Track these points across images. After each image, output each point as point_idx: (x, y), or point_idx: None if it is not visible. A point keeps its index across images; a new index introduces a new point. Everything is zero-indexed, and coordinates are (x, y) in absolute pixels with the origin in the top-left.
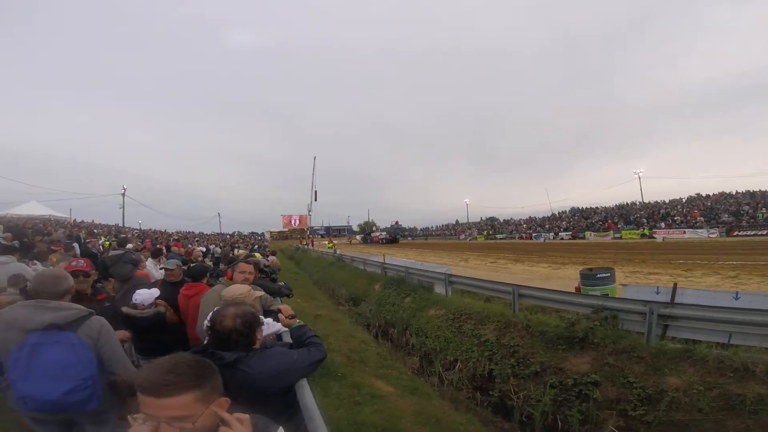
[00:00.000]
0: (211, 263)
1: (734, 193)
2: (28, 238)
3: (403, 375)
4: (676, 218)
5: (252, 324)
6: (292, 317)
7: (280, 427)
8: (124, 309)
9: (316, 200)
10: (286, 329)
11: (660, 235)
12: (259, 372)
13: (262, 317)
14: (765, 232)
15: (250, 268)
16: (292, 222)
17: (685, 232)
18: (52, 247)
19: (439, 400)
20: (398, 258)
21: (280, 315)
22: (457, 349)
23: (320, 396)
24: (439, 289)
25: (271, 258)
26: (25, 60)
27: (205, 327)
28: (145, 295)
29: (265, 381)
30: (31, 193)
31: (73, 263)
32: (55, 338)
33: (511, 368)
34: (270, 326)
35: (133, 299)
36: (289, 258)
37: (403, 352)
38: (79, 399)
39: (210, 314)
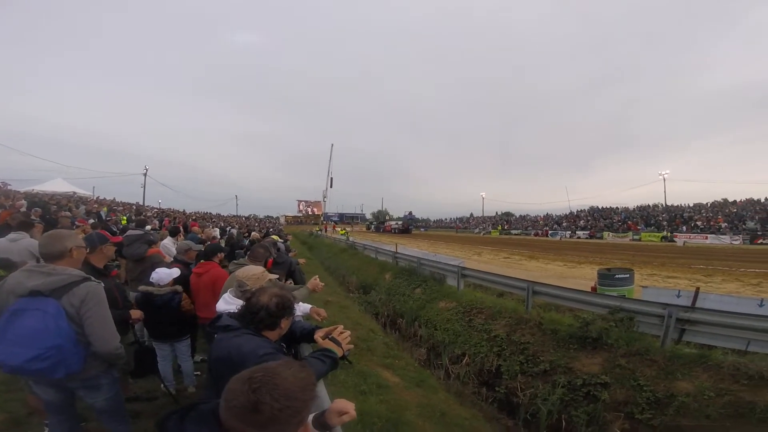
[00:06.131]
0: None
1: (762, 200)
2: (50, 214)
3: (409, 366)
4: (698, 223)
5: (284, 309)
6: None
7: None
8: (141, 287)
9: (331, 187)
10: (308, 309)
11: (681, 239)
12: (227, 350)
13: (296, 308)
14: None
15: None
16: (307, 208)
17: (707, 238)
18: (77, 223)
19: (444, 393)
20: (410, 248)
21: (317, 335)
22: (466, 343)
23: (326, 383)
24: (450, 281)
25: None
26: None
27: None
28: (162, 274)
29: (225, 361)
30: (58, 171)
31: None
32: (35, 305)
33: (520, 365)
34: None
35: (151, 277)
36: (302, 243)
37: (410, 343)
38: (42, 367)
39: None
